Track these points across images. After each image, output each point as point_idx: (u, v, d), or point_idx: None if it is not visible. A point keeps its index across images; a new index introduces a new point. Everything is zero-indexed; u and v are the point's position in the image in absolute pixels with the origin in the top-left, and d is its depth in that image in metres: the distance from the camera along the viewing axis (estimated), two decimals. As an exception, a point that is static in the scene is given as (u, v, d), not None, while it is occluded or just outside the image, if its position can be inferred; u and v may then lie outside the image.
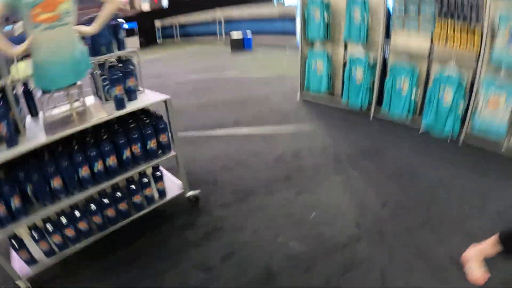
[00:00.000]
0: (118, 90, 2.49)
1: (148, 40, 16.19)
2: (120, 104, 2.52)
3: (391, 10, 4.76)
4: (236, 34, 11.12)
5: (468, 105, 4.37)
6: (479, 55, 4.14)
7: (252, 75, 7.83)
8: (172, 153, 2.94)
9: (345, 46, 5.46)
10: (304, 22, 5.53)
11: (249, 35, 11.18)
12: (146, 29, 16.59)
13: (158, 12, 17.99)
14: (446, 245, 2.45)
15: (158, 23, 17.09)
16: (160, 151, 2.87)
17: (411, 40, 4.71)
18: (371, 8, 4.86)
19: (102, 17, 2.27)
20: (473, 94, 4.24)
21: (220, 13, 14.09)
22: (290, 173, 3.58)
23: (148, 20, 17.28)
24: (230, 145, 4.25)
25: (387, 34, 4.91)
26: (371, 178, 3.55)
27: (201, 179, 3.50)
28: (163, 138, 2.82)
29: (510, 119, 4.00)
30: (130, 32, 15.39)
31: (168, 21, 16.73)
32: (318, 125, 4.79)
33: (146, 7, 20.75)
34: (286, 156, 3.93)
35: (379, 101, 5.19)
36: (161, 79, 7.61)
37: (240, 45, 11.08)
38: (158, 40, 16.76)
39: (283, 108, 5.63)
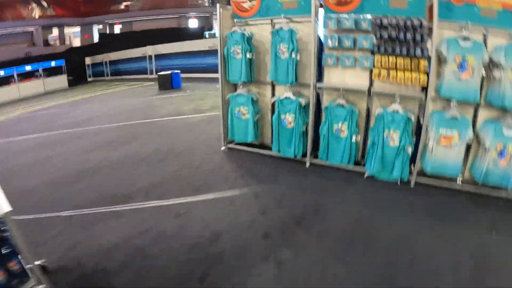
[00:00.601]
0: None
1: (77, 78, 15.05)
2: None
3: (324, 43, 4.16)
4: (165, 71, 10.77)
5: (417, 143, 3.83)
6: (426, 89, 3.63)
7: (177, 118, 7.16)
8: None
9: (273, 87, 4.72)
10: (224, 61, 4.71)
11: (178, 72, 10.81)
12: (76, 66, 15.55)
13: (88, 48, 17.12)
14: None
15: (88, 60, 16.16)
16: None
17: (347, 77, 4.12)
18: (300, 41, 4.19)
19: None
20: (423, 132, 3.69)
21: (150, 49, 13.64)
22: (208, 267, 2.68)
23: (78, 57, 16.29)
24: (135, 227, 3.26)
25: (320, 72, 4.30)
26: (311, 257, 2.74)
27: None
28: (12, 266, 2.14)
29: (465, 154, 3.60)
30: (57, 71, 14.13)
31: (99, 57, 15.90)
32: (244, 186, 3.98)
33: (77, 42, 19.57)
34: (203, 240, 3.03)
35: (316, 146, 4.45)
36: (79, 127, 7.14)
37: (168, 83, 10.67)
38: (88, 78, 15.84)
39: (206, 165, 4.62)
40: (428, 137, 3.70)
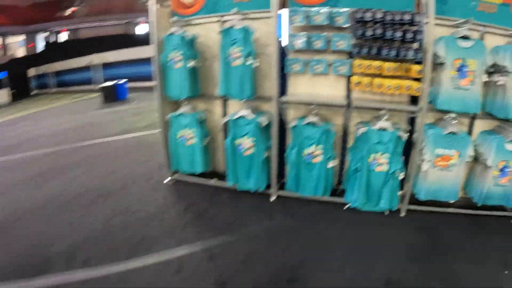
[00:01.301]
0: None
1: (20, 91, 13.17)
2: None
3: (288, 45, 3.22)
4: (112, 81, 9.63)
5: (406, 164, 3.12)
6: (416, 99, 2.90)
7: (117, 139, 5.95)
8: None
9: (225, 103, 3.70)
10: (161, 72, 3.54)
11: (123, 82, 9.64)
12: (19, 78, 13.63)
13: (33, 59, 15.36)
14: None
15: (32, 71, 14.30)
16: None
17: (319, 87, 3.25)
18: (257, 43, 3.22)
19: None
20: (415, 153, 2.96)
21: (97, 58, 12.52)
22: None
23: (22, 68, 14.45)
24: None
25: (284, 81, 3.37)
26: None
27: None
28: None
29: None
30: (-1, 84, 12.10)
31: (43, 68, 14.16)
32: (195, 239, 2.97)
33: (21, 52, 17.80)
34: None
35: (282, 174, 3.57)
36: (6, 155, 5.81)
37: (112, 95, 9.46)
38: (31, 91, 14.10)
39: (145, 209, 3.46)
40: (422, 158, 2.98)
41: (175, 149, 3.69)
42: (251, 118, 3.26)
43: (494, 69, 2.81)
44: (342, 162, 3.46)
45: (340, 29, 2.91)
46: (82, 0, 18.66)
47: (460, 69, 2.74)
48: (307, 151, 3.20)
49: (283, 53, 3.25)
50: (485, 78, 2.78)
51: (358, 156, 3.06)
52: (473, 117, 3.08)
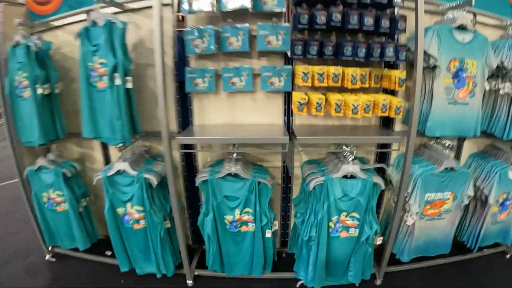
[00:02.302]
0: None
1: None
2: None
3: (186, 47, 1.86)
4: None
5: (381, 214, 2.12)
6: (390, 122, 1.84)
7: None
8: None
9: (105, 146, 2.28)
10: (9, 105, 1.98)
11: None
12: None
13: None
14: None
15: None
16: None
17: (240, 112, 2.00)
18: (138, 47, 1.88)
19: None
20: (394, 201, 1.92)
21: None
22: None
23: None
24: None
25: (186, 106, 2.03)
26: None
27: None
28: None
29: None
30: None
31: None
32: None
33: None
34: None
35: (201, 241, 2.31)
36: None
37: None
38: None
39: None
40: (406, 209, 1.95)
41: (43, 219, 2.20)
42: (134, 173, 1.86)
43: (494, 73, 1.86)
44: (286, 217, 2.29)
45: (271, 16, 1.66)
46: None
47: (457, 75, 1.73)
48: (230, 217, 1.93)
49: (182, 60, 1.92)
50: (487, 86, 1.82)
51: (312, 219, 1.89)
52: (463, 138, 2.15)
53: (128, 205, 1.98)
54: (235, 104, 1.97)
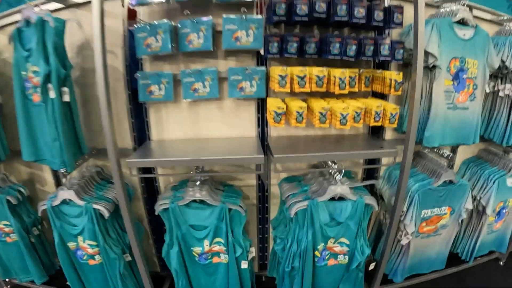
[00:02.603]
0: None
1: None
2: None
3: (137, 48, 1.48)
4: None
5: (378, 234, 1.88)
6: (381, 130, 1.57)
7: None
8: None
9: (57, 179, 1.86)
10: None
11: None
12: None
13: None
14: None
15: None
16: None
17: (205, 124, 1.66)
18: (81, 50, 1.49)
19: None
20: (392, 223, 1.66)
21: None
22: None
23: None
24: None
25: (142, 119, 1.67)
26: None
27: None
28: None
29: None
30: None
31: None
32: None
33: None
34: None
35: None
36: None
37: None
38: None
39: None
40: (400, 229, 1.71)
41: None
42: (82, 203, 1.49)
43: (493, 73, 1.64)
44: (264, 239, 2.00)
45: (239, 7, 1.33)
46: None
47: (457, 76, 1.48)
48: (199, 249, 1.59)
49: (134, 64, 1.55)
50: (488, 88, 1.60)
51: (294, 247, 1.60)
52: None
53: (80, 239, 1.62)
54: (198, 115, 1.62)
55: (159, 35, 1.42)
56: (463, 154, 2.05)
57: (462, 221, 1.90)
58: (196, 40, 1.43)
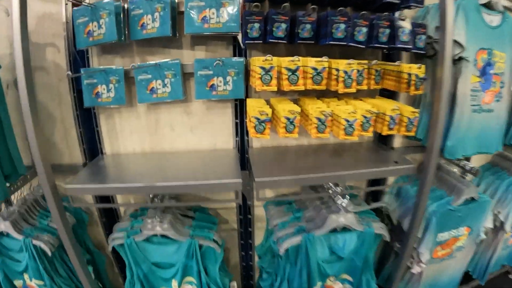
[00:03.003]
0: None
1: None
2: None
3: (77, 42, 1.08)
4: None
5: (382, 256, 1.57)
6: (386, 140, 1.25)
7: None
8: None
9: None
10: None
11: None
12: None
13: None
14: None
15: None
16: None
17: (169, 134, 1.26)
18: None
19: None
20: (405, 252, 1.33)
21: None
22: None
23: None
24: None
25: (91, 128, 1.27)
26: None
27: None
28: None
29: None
30: None
31: None
32: None
33: None
34: None
35: None
36: None
37: None
38: None
39: None
40: (414, 256, 1.40)
41: None
42: (20, 238, 1.11)
43: None
44: (248, 266, 1.65)
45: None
46: None
47: (484, 71, 1.16)
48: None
49: (80, 60, 1.15)
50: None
51: (285, 286, 1.25)
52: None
53: (26, 276, 1.24)
54: (159, 121, 1.25)
55: (103, 18, 1.03)
56: (475, 161, 1.77)
57: (481, 241, 1.61)
58: (151, 23, 1.06)
